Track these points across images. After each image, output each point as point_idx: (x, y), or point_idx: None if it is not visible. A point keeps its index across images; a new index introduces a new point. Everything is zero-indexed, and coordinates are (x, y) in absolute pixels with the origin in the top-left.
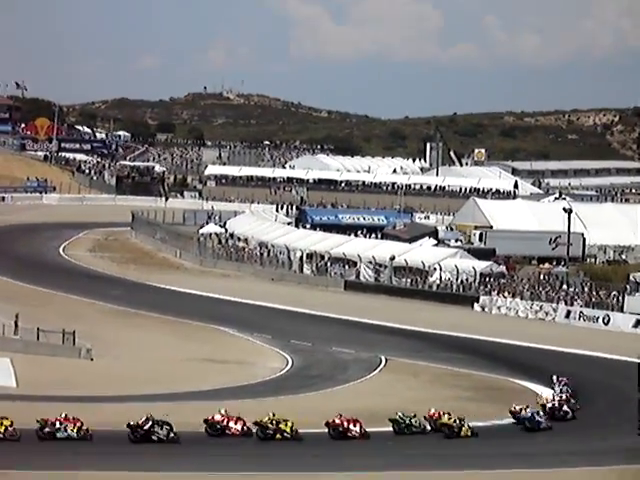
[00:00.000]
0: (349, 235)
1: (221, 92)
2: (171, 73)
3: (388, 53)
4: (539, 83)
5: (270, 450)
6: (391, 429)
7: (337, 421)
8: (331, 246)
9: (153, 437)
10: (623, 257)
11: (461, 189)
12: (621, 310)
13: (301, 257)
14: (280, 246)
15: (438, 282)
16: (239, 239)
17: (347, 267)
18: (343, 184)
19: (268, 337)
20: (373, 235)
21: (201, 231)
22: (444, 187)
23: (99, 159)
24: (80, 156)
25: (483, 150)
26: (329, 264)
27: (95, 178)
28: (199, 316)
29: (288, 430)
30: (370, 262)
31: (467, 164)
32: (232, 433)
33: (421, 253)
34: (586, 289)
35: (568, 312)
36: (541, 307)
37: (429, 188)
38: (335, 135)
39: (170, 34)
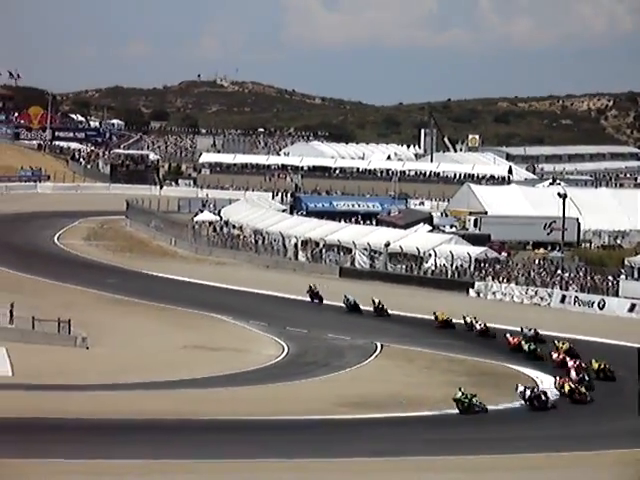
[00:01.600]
0: (344, 222)
1: (215, 80)
2: (165, 61)
3: (381, 39)
4: (533, 68)
5: None
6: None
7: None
8: (326, 233)
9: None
10: (618, 242)
11: (455, 175)
12: (616, 295)
13: (296, 244)
14: (275, 233)
15: (433, 268)
16: (234, 227)
17: (342, 254)
18: (337, 171)
19: (264, 324)
20: (368, 222)
21: (196, 219)
22: (438, 173)
23: (93, 147)
24: (74, 145)
25: (477, 136)
26: (324, 251)
27: (89, 167)
28: (195, 304)
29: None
30: (365, 249)
31: (461, 150)
32: None
33: (416, 239)
34: (581, 274)
35: (563, 297)
36: (536, 292)
37: (423, 174)
38: (329, 122)
39: (163, 21)
